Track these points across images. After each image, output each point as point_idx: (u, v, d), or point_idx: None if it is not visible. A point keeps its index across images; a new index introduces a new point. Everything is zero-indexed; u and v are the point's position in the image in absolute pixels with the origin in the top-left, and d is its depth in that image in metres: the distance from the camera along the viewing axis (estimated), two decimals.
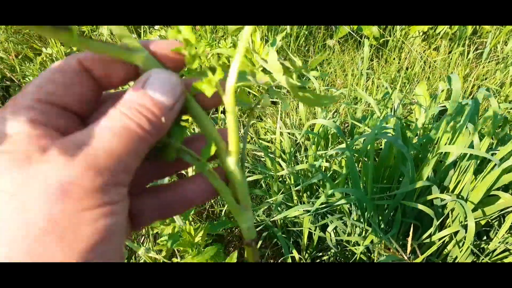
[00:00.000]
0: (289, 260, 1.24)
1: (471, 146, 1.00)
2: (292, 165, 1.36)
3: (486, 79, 2.17)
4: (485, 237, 1.22)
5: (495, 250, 1.11)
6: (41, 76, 0.25)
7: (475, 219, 0.94)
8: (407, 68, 2.24)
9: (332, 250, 1.27)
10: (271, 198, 1.31)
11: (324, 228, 1.32)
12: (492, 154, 1.01)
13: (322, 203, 1.13)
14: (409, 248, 0.76)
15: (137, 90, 0.24)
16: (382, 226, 1.14)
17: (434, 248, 0.85)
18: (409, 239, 0.76)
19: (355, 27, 2.36)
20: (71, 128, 0.25)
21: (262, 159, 1.56)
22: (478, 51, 2.32)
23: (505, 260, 1.07)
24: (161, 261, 1.11)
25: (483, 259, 1.08)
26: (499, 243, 1.08)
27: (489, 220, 1.14)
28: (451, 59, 2.26)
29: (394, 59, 2.28)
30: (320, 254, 1.34)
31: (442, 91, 1.43)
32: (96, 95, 0.27)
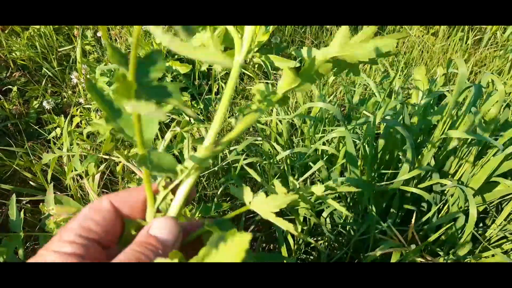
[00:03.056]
0: (283, 245, 1.22)
1: (473, 131, 0.98)
2: (289, 147, 1.33)
3: (484, 65, 2.15)
4: (481, 224, 1.21)
5: (491, 237, 1.10)
6: (81, 214, 0.31)
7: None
8: (405, 53, 2.20)
9: (327, 235, 1.25)
10: (267, 182, 1.28)
11: (319, 212, 1.30)
12: (495, 140, 0.99)
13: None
14: (410, 236, 0.74)
15: (144, 233, 0.31)
16: (379, 211, 1.12)
17: (435, 236, 0.83)
18: (411, 226, 0.74)
19: None
20: (98, 256, 0.30)
21: (257, 142, 1.52)
22: (477, 37, 2.29)
23: (503, 247, 1.06)
24: None
25: (479, 246, 1.07)
26: (495, 230, 1.07)
27: (487, 207, 1.13)
28: (449, 44, 2.23)
29: None
30: (315, 239, 1.32)
31: (444, 74, 1.40)
32: (121, 228, 0.34)
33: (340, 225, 1.22)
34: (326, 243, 1.30)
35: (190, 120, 1.39)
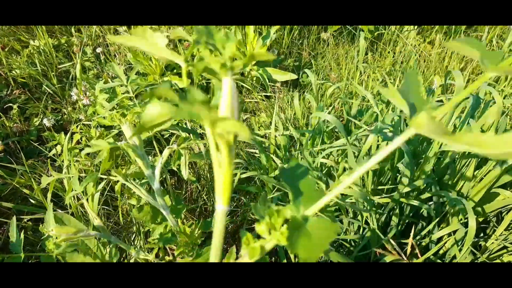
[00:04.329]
0: (284, 259, 1.22)
1: None
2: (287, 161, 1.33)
3: (481, 73, 2.15)
4: (482, 234, 1.20)
5: (492, 248, 1.10)
6: None
7: (475, 216, 0.92)
8: (401, 62, 2.22)
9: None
10: (266, 195, 1.28)
11: None
12: None
13: None
14: (409, 250, 0.74)
15: None
16: (380, 224, 1.12)
17: (435, 249, 0.83)
18: (410, 240, 0.74)
19: None
20: None
21: (256, 155, 1.53)
22: None
23: (503, 258, 1.05)
24: (153, 261, 1.08)
25: (479, 257, 1.07)
26: (496, 240, 1.07)
27: (487, 217, 1.12)
28: (446, 53, 2.24)
29: (388, 52, 2.25)
30: None
31: (440, 85, 1.41)
32: None
33: (340, 238, 1.22)
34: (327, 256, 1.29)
35: (189, 135, 1.39)
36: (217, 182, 0.27)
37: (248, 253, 0.28)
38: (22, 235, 0.85)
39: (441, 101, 1.40)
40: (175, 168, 1.14)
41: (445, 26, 2.33)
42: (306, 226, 0.29)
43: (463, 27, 2.31)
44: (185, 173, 0.93)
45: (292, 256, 1.21)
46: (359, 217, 1.13)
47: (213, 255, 0.30)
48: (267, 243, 0.28)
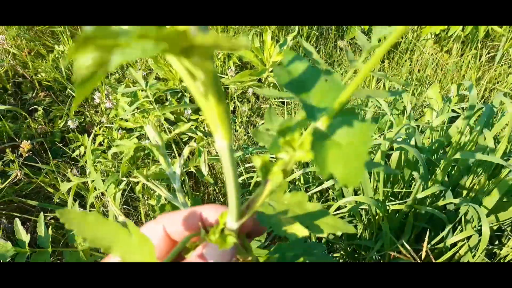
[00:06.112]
0: None
1: (486, 150, 0.99)
2: (303, 167, 1.36)
3: (498, 82, 2.15)
4: (497, 242, 1.21)
5: (507, 255, 1.10)
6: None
7: (488, 224, 0.93)
8: (418, 71, 2.22)
9: (342, 253, 1.27)
10: None
11: None
12: (507, 159, 1.00)
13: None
14: (423, 255, 0.75)
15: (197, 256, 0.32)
16: (393, 230, 1.13)
17: (449, 254, 0.84)
18: (424, 244, 0.76)
19: (366, 27, 2.35)
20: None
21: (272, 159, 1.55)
22: (490, 54, 2.30)
23: None
24: None
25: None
26: (511, 248, 1.07)
27: (501, 225, 1.13)
28: (463, 62, 2.24)
29: (405, 61, 2.26)
30: (330, 255, 1.34)
31: (456, 95, 1.42)
32: (167, 252, 0.35)
33: (355, 243, 1.23)
34: (341, 260, 1.31)
35: (206, 136, 1.43)
36: (208, 117, 0.21)
37: (271, 180, 0.24)
38: (50, 231, 0.89)
39: (458, 110, 1.41)
40: (193, 169, 1.17)
41: (462, 35, 2.33)
42: (329, 133, 0.22)
43: (481, 36, 2.31)
44: (205, 170, 0.97)
45: None
46: (373, 223, 1.15)
47: (232, 203, 0.26)
48: (288, 164, 0.23)
